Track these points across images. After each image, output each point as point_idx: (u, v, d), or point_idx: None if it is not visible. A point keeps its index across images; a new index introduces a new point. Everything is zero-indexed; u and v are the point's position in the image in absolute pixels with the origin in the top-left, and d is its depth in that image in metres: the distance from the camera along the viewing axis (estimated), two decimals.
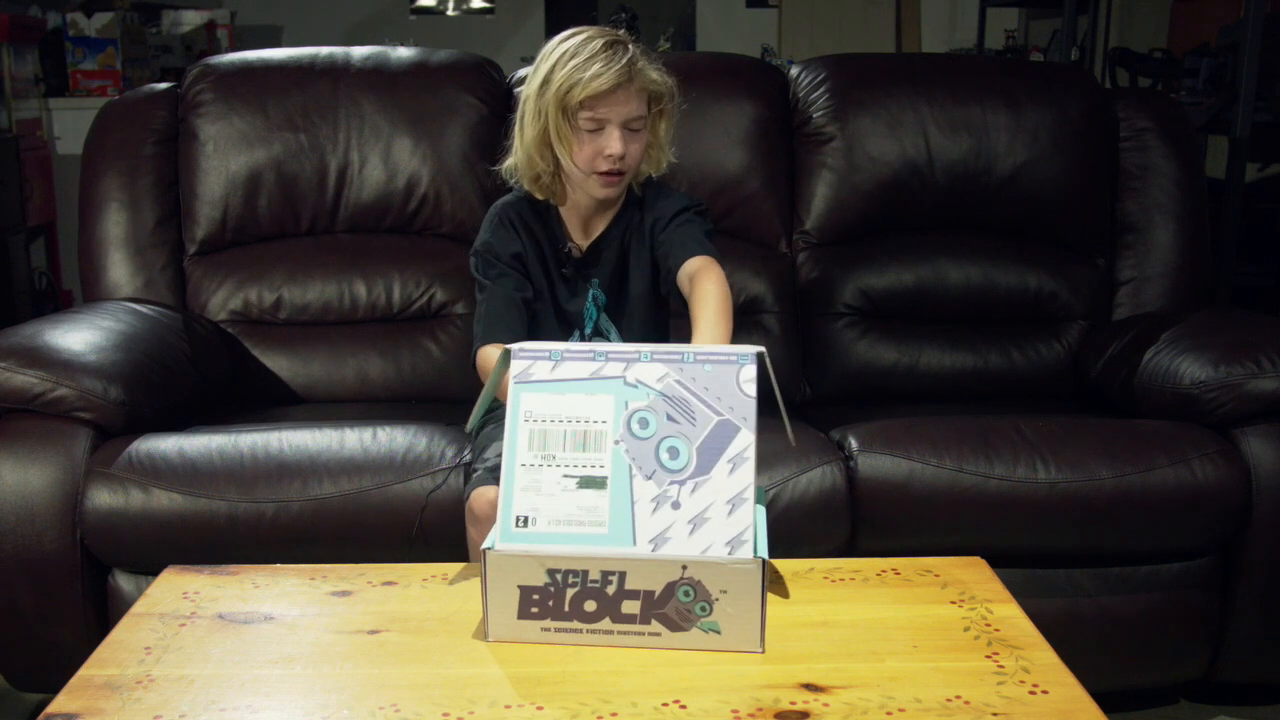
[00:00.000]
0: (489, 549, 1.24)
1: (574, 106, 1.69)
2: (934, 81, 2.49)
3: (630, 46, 1.72)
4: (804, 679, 1.22)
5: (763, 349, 1.32)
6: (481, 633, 1.28)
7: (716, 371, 1.29)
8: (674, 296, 1.81)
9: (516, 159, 1.80)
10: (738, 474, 1.26)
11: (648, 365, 1.30)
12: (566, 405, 1.30)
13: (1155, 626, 1.96)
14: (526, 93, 1.75)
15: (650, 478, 1.27)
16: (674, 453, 1.28)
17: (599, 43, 1.70)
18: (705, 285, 1.68)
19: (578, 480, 1.27)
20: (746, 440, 1.27)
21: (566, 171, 1.77)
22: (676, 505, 1.26)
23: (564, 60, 1.70)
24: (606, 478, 1.27)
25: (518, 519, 1.26)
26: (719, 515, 1.25)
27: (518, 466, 1.28)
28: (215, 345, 2.28)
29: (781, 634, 1.28)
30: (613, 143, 1.71)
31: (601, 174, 1.74)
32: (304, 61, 2.43)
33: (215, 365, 2.24)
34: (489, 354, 1.73)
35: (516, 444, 1.29)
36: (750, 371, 1.29)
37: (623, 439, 1.28)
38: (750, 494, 1.26)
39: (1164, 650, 1.99)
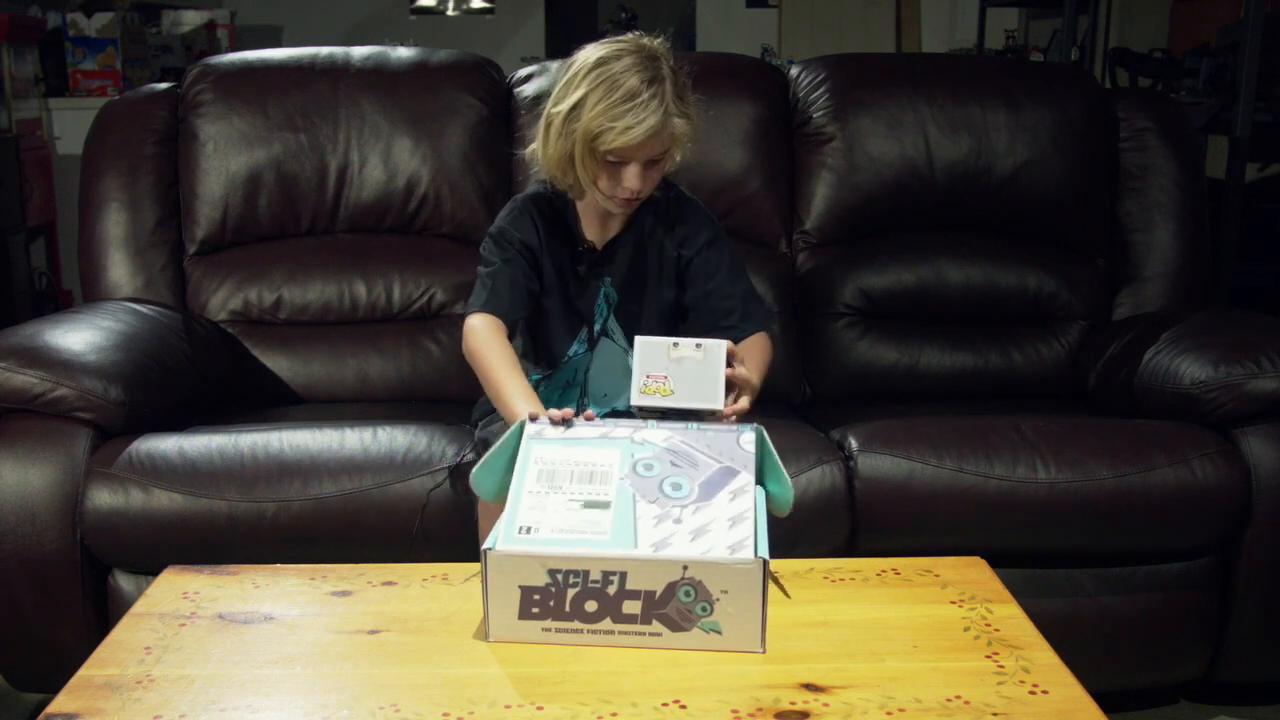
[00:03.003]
0: (489, 549, 1.25)
1: (600, 148, 1.68)
2: (934, 81, 2.49)
3: (665, 86, 1.67)
4: (804, 679, 1.22)
5: (761, 427, 1.44)
6: (482, 633, 1.28)
7: (718, 436, 1.41)
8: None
9: (539, 158, 1.78)
10: (738, 501, 1.32)
11: (654, 430, 1.42)
12: (576, 453, 1.37)
13: (1155, 626, 1.96)
14: (554, 109, 1.71)
15: (653, 502, 1.30)
16: (677, 486, 1.33)
17: (635, 80, 1.65)
18: (760, 345, 1.80)
19: (582, 503, 1.29)
20: (746, 479, 1.35)
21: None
22: (678, 521, 1.28)
23: (596, 95, 1.66)
24: (610, 501, 1.30)
25: (521, 527, 1.27)
26: (720, 529, 1.27)
27: (524, 493, 1.31)
28: (215, 345, 2.28)
29: (781, 634, 1.28)
30: (632, 180, 1.70)
31: (618, 199, 1.75)
32: (304, 61, 2.43)
33: (215, 365, 2.24)
34: (478, 324, 1.74)
35: (525, 477, 1.34)
36: (749, 436, 1.42)
37: (627, 477, 1.34)
38: (750, 515, 1.30)
39: (1164, 650, 1.99)
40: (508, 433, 1.43)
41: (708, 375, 1.51)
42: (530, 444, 1.39)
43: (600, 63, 1.68)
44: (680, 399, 1.50)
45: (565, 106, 1.69)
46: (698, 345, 1.52)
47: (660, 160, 1.72)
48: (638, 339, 1.52)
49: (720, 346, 1.53)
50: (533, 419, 1.45)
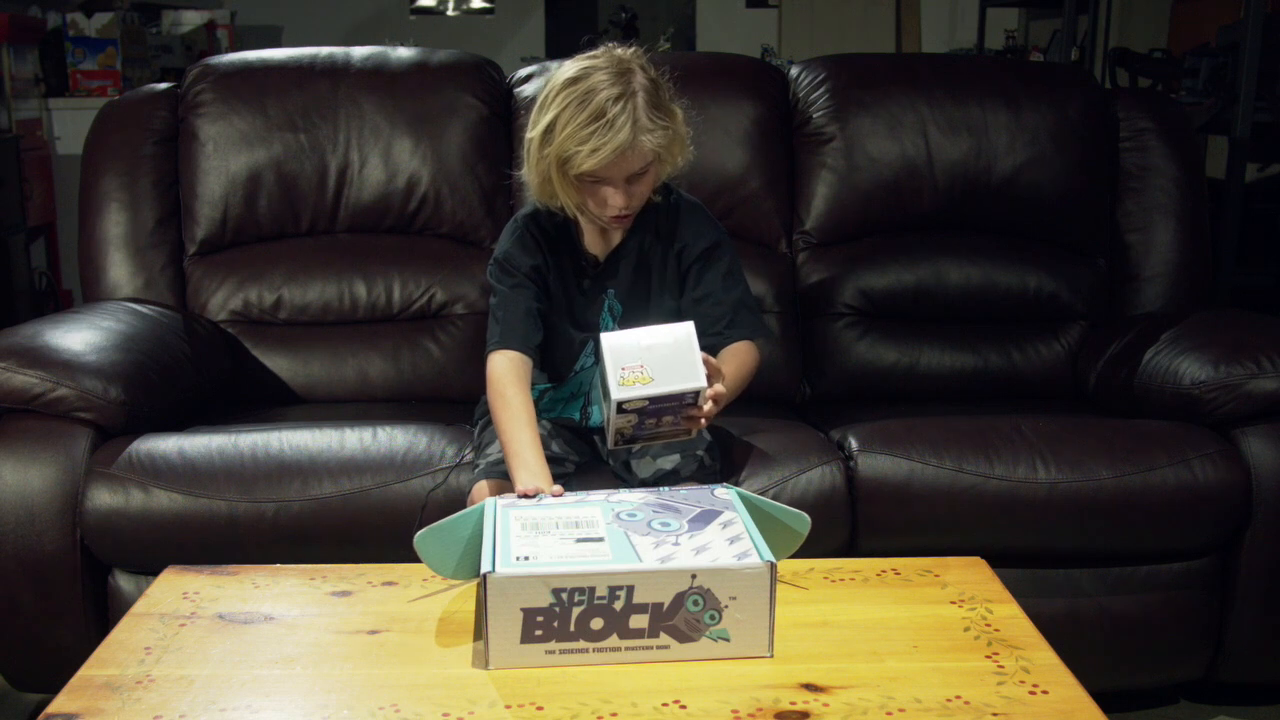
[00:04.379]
0: (489, 573, 1.22)
1: (572, 171, 1.67)
2: (934, 81, 2.49)
3: (636, 101, 1.64)
4: (804, 679, 1.22)
5: (731, 488, 1.46)
6: (481, 660, 1.25)
7: (692, 493, 1.43)
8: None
9: (528, 183, 1.77)
10: (731, 528, 1.32)
11: (628, 493, 1.44)
12: (556, 512, 1.38)
13: (1155, 626, 1.96)
14: (530, 135, 1.70)
15: (646, 536, 1.31)
16: (665, 524, 1.34)
17: (601, 98, 1.62)
18: (739, 352, 1.78)
19: (575, 539, 1.29)
20: (732, 515, 1.35)
21: None
22: (676, 544, 1.28)
23: (564, 118, 1.64)
24: (604, 537, 1.30)
25: (518, 556, 1.25)
26: (720, 545, 1.29)
27: (512, 537, 1.30)
28: (215, 345, 2.28)
29: (781, 634, 1.28)
30: (615, 199, 1.69)
31: (608, 217, 1.74)
32: (304, 61, 2.43)
33: (215, 365, 2.24)
34: (498, 368, 1.71)
35: (509, 528, 1.33)
36: (722, 490, 1.43)
37: (613, 522, 1.34)
38: (745, 536, 1.30)
39: (1164, 650, 1.99)
40: (464, 511, 1.42)
41: (682, 357, 1.50)
42: (506, 510, 1.38)
43: (569, 83, 1.66)
44: (661, 384, 1.48)
45: (539, 131, 1.68)
46: (666, 331, 1.51)
47: (644, 173, 1.70)
48: (603, 336, 1.50)
49: (688, 327, 1.51)
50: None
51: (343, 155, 2.38)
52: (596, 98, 1.62)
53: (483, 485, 1.72)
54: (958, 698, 1.18)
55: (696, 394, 1.51)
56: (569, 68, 1.68)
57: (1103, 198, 2.49)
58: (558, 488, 1.49)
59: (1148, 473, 1.88)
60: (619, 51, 1.69)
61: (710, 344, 1.80)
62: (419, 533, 1.38)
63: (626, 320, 1.84)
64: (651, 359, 1.49)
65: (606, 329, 1.84)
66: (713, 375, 1.55)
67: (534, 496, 1.46)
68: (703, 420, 1.57)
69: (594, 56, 1.69)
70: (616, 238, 1.83)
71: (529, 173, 1.73)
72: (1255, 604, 1.95)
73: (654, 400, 1.50)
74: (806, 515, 1.45)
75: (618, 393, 1.47)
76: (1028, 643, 1.30)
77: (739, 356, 1.77)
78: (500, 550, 1.26)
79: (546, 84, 1.70)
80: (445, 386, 2.32)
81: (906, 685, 1.21)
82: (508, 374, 1.70)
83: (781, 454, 1.89)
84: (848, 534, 1.89)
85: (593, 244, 1.84)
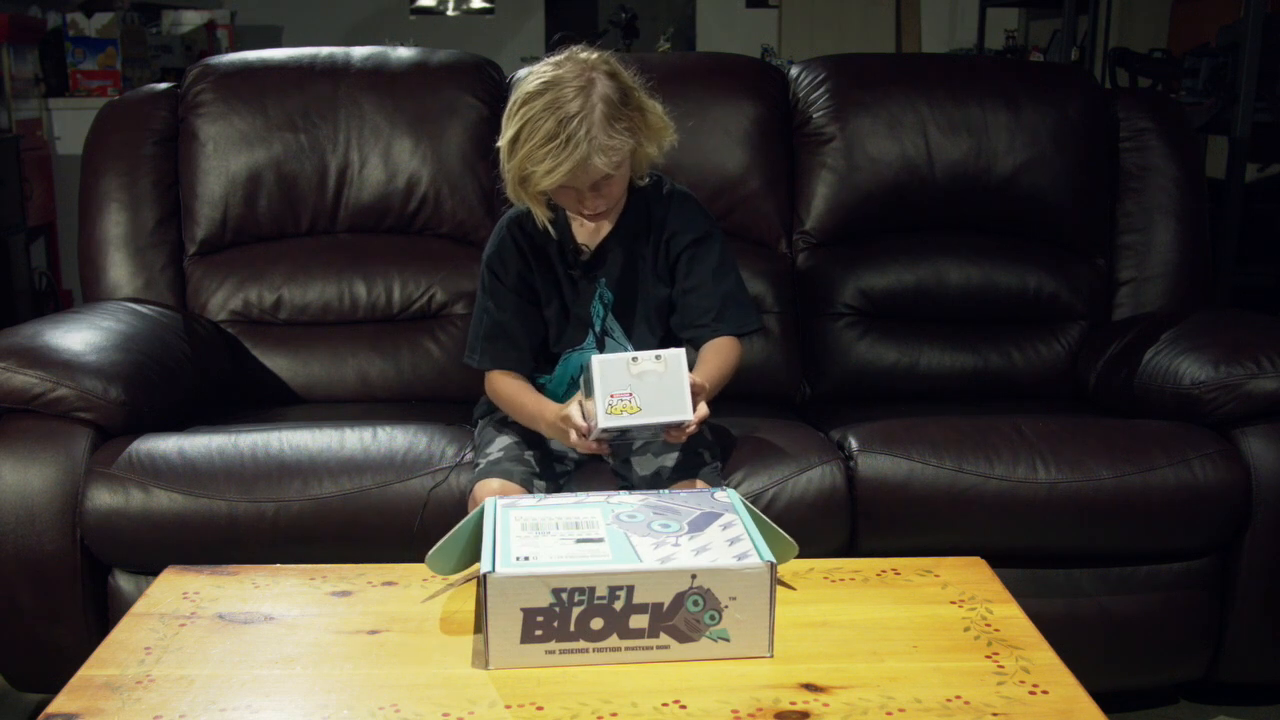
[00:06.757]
0: (489, 573, 1.22)
1: (532, 189, 1.68)
2: (934, 81, 2.49)
3: (593, 117, 1.62)
4: (804, 679, 1.22)
5: (733, 490, 1.48)
6: (481, 660, 1.25)
7: (691, 496, 1.43)
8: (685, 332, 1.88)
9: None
10: (731, 529, 1.32)
11: (628, 495, 1.44)
12: (556, 512, 1.38)
13: (1155, 626, 1.96)
14: (500, 143, 1.70)
15: (646, 537, 1.31)
16: (665, 525, 1.34)
17: (559, 115, 1.61)
18: (723, 348, 1.79)
19: (575, 540, 1.30)
20: (732, 517, 1.35)
21: None
22: (676, 545, 1.28)
23: (523, 135, 1.64)
24: (604, 538, 1.30)
25: (518, 557, 1.26)
26: (720, 546, 1.29)
27: (512, 537, 1.30)
28: (215, 345, 2.28)
29: (781, 634, 1.28)
30: (584, 204, 1.71)
31: (584, 214, 1.75)
32: (304, 61, 2.43)
33: (215, 365, 2.24)
34: (501, 381, 1.81)
35: (509, 528, 1.33)
36: (722, 493, 1.44)
37: (613, 523, 1.34)
38: (745, 537, 1.30)
39: (1164, 650, 1.99)
40: (466, 518, 1.43)
41: (672, 386, 1.51)
42: (506, 511, 1.38)
43: (528, 99, 1.65)
44: (649, 414, 1.50)
45: (506, 141, 1.69)
46: (657, 357, 1.51)
47: (614, 175, 1.69)
48: (594, 359, 1.52)
49: (680, 355, 1.52)
50: (563, 419, 1.56)
51: (343, 155, 2.38)
52: (554, 115, 1.62)
53: (483, 485, 1.72)
54: (958, 698, 1.18)
55: (681, 424, 1.54)
56: (533, 80, 1.67)
57: (1103, 198, 2.49)
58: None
59: (1148, 473, 1.88)
60: (584, 55, 1.68)
61: (695, 336, 1.81)
62: (429, 554, 1.41)
63: (618, 309, 1.85)
64: (641, 387, 1.50)
65: (599, 318, 1.85)
66: (697, 395, 1.56)
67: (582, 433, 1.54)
68: (683, 436, 1.60)
69: (559, 65, 1.67)
70: (605, 228, 1.84)
71: (505, 174, 1.73)
72: (1255, 604, 1.95)
73: (639, 427, 1.53)
74: (796, 544, 1.46)
75: (604, 420, 1.50)
76: (1028, 643, 1.30)
77: (722, 354, 1.78)
78: (500, 550, 1.26)
79: (515, 90, 1.70)
80: (445, 386, 2.32)
81: (906, 685, 1.21)
82: (516, 383, 1.80)
83: (781, 454, 1.89)
84: (848, 534, 1.89)
85: (582, 234, 1.85)
